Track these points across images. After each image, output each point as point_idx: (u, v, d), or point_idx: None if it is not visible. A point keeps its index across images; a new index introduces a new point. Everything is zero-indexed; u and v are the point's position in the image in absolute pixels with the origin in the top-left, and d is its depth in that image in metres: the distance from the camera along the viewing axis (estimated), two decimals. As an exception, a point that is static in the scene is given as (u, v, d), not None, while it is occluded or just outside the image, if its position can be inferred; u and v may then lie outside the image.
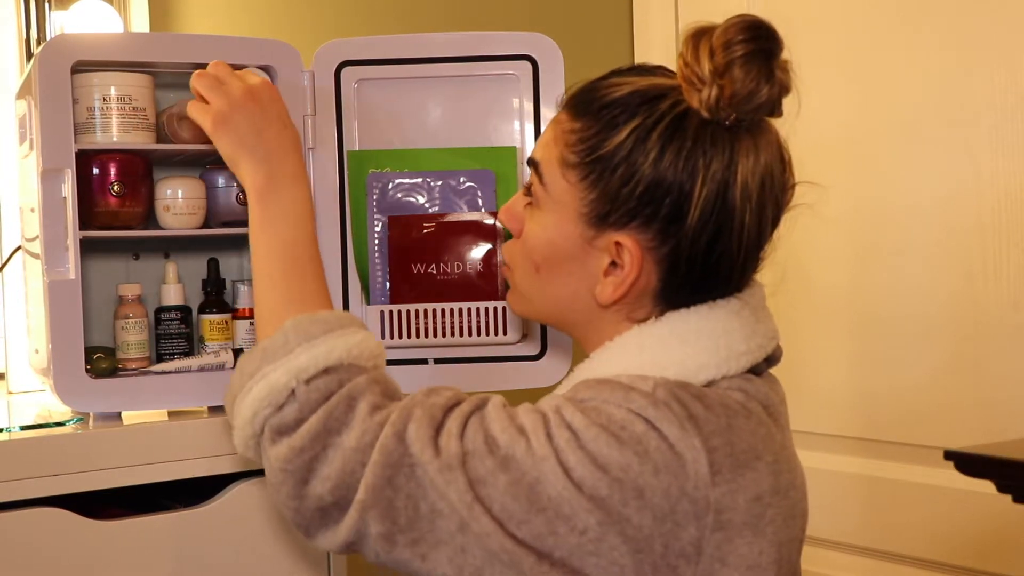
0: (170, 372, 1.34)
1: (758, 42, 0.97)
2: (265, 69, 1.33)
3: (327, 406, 1.00)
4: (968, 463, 1.17)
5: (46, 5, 1.74)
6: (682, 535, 0.93)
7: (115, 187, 1.31)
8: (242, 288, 1.41)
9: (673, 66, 1.05)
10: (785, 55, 0.99)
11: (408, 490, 0.95)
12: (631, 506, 0.92)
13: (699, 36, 0.98)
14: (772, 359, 1.08)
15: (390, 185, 1.39)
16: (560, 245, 1.04)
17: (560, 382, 1.24)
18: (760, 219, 1.00)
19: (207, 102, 1.17)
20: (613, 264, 1.02)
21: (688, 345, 1.00)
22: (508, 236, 1.15)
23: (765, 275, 1.07)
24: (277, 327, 1.06)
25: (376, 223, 1.39)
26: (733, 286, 1.04)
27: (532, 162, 1.07)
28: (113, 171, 1.31)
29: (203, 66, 1.34)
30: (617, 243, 1.01)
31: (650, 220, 0.99)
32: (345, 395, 1.00)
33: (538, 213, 1.06)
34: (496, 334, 1.37)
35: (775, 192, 1.01)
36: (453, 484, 0.93)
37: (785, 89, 0.99)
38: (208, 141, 1.19)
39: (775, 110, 1.00)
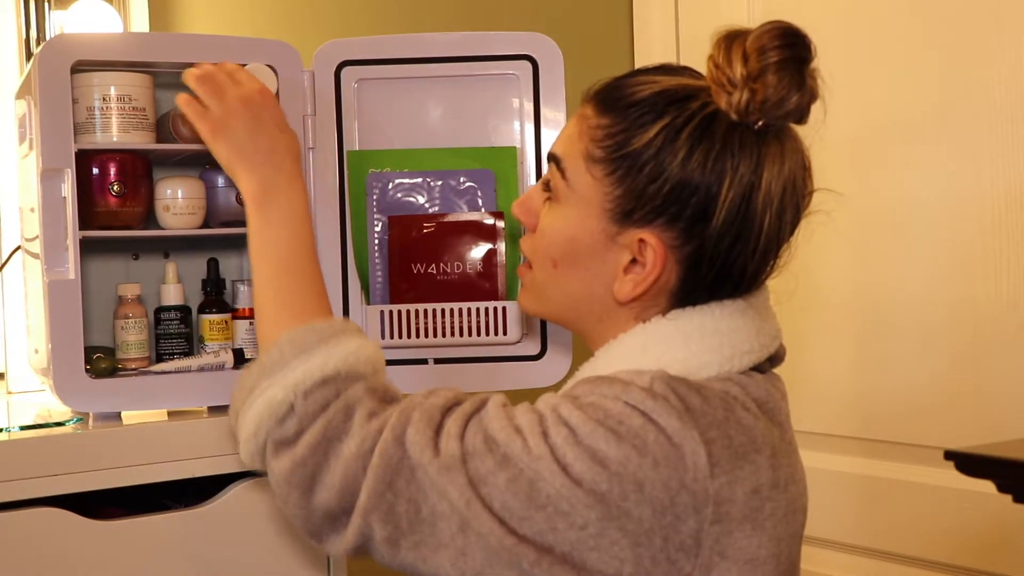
0: (170, 372, 1.34)
1: (792, 49, 0.97)
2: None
3: (325, 416, 1.01)
4: (968, 463, 1.16)
5: (46, 5, 1.74)
6: (681, 528, 0.93)
7: (115, 187, 1.31)
8: (242, 288, 1.41)
9: (675, 63, 1.05)
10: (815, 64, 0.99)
11: (409, 493, 0.96)
12: (631, 500, 0.92)
13: (731, 39, 0.99)
14: (775, 359, 1.08)
15: (390, 185, 1.39)
16: (581, 240, 1.04)
17: (561, 382, 1.25)
18: (780, 225, 1.01)
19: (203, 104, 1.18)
20: (633, 261, 1.02)
21: (692, 343, 1.01)
22: (515, 235, 1.14)
23: (777, 283, 1.07)
24: (275, 338, 1.07)
25: (376, 223, 1.39)
26: (744, 288, 1.04)
27: (553, 157, 1.07)
28: (113, 171, 1.31)
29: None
30: (641, 240, 1.01)
31: (675, 219, 1.00)
32: (342, 404, 1.01)
33: (558, 208, 1.06)
34: (496, 334, 1.37)
35: (796, 198, 1.02)
36: (453, 484, 0.94)
37: (814, 97, 1.00)
38: (209, 140, 1.19)
39: (803, 117, 1.01)
